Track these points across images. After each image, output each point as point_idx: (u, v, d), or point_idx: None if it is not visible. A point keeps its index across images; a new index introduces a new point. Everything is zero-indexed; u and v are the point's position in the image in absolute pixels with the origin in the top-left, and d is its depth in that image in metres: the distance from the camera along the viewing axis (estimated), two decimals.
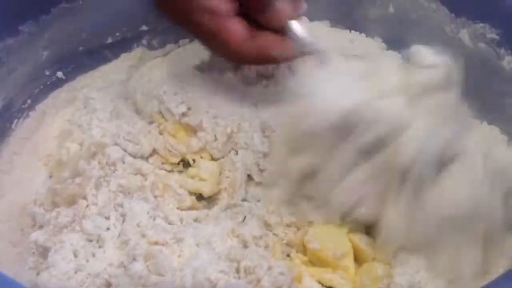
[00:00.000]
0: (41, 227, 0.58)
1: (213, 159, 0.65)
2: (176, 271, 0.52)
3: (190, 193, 0.62)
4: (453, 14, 0.66)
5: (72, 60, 0.72)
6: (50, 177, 0.65)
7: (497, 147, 0.62)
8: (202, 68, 0.70)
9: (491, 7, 0.62)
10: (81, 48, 0.72)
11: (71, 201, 0.59)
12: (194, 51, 0.72)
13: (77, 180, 0.60)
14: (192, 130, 0.65)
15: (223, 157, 0.65)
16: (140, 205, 0.58)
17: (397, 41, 0.71)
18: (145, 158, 0.64)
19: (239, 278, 0.53)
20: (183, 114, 0.65)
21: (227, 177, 0.63)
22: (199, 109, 0.65)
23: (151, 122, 0.67)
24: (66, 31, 0.69)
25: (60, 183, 0.61)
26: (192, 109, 0.65)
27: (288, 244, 0.58)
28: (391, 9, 0.71)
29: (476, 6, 0.63)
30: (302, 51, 0.57)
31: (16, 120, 0.67)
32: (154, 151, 0.65)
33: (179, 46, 0.76)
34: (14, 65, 0.65)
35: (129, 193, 0.59)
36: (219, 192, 0.63)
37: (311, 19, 0.75)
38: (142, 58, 0.76)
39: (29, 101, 0.68)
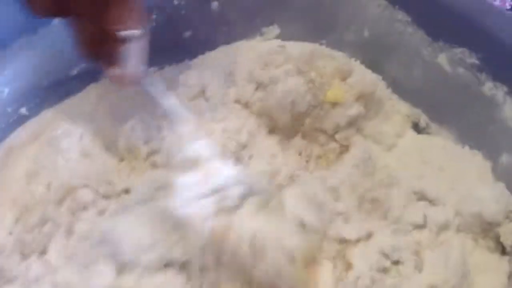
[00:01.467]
0: (9, 281, 0.55)
1: None
2: None
3: None
4: (430, 38, 0.64)
5: (36, 95, 0.68)
6: (17, 221, 0.61)
7: None
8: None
9: (470, 30, 0.60)
10: (45, 81, 0.68)
11: (41, 252, 0.56)
12: (162, 81, 0.70)
13: (46, 228, 0.57)
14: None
15: None
16: None
17: (375, 63, 0.69)
18: (119, 198, 0.61)
19: None
20: (150, 153, 0.63)
21: None
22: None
23: (121, 159, 0.64)
24: (28, 65, 0.66)
25: (27, 231, 0.58)
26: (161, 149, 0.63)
27: None
28: (366, 34, 0.69)
29: (454, 30, 0.61)
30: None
31: None
32: (128, 191, 0.62)
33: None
34: None
35: None
36: None
37: (289, 39, 0.74)
38: (110, 88, 0.72)
39: None
